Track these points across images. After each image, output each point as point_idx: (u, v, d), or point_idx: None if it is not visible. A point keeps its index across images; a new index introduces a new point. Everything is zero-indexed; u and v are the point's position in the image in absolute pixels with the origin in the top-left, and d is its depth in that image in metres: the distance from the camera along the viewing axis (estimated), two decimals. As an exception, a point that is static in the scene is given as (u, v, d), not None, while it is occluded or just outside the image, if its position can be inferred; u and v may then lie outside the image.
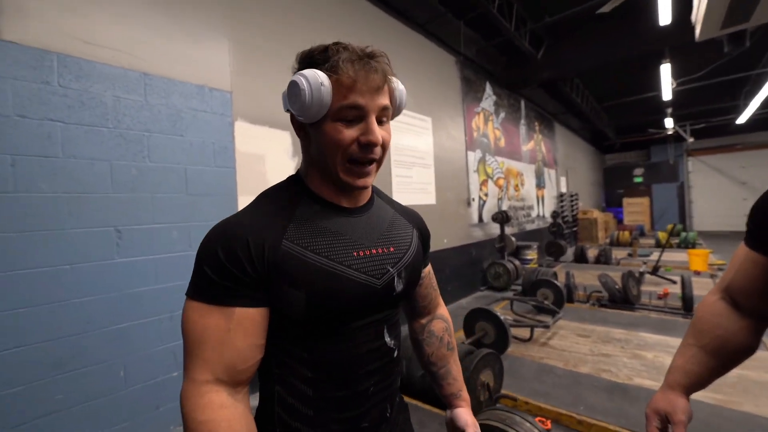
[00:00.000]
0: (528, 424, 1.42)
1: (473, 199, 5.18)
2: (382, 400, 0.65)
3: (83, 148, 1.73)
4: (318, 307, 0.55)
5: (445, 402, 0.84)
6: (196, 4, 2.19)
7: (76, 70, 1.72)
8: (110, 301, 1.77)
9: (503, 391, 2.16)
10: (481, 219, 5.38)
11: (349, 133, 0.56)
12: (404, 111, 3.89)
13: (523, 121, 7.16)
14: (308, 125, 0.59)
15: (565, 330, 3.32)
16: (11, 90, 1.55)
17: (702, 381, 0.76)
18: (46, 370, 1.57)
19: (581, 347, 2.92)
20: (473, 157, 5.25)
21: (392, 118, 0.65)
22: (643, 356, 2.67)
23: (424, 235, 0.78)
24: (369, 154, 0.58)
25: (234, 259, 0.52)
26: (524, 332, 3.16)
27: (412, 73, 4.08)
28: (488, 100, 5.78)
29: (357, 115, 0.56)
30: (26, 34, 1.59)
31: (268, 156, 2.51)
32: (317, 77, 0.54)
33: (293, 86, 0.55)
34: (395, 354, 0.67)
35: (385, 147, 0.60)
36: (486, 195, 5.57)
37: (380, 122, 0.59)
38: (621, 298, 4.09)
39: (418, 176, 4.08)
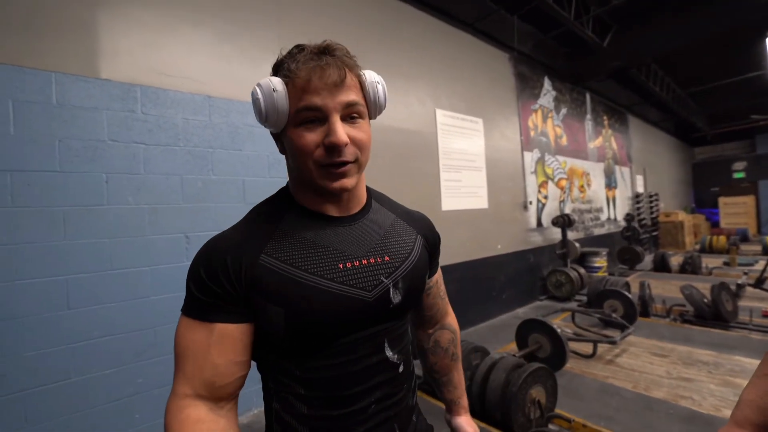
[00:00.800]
0: (577, 450, 1.30)
1: (530, 202, 4.89)
2: (387, 420, 0.61)
3: (160, 165, 1.99)
4: (297, 322, 0.53)
5: (445, 405, 0.87)
6: (252, 29, 2.40)
7: (154, 98, 1.99)
8: (180, 299, 1.99)
9: (557, 410, 2.00)
10: (540, 223, 5.06)
11: (312, 137, 0.53)
12: (452, 114, 3.83)
13: (588, 116, 6.59)
14: (279, 135, 0.58)
15: (637, 347, 2.97)
16: (106, 119, 1.84)
17: None
18: (129, 357, 1.83)
19: (656, 368, 2.59)
20: (530, 157, 4.96)
21: (374, 115, 0.61)
22: (737, 384, 2.28)
23: (431, 241, 0.73)
24: (337, 157, 0.53)
25: (214, 278, 0.52)
26: (587, 347, 2.90)
27: (460, 75, 4.00)
28: (547, 96, 5.43)
29: (316, 117, 0.53)
30: (117, 71, 1.89)
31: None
32: (269, 84, 0.53)
33: (252, 97, 0.55)
34: (401, 369, 0.63)
35: (361, 146, 0.56)
36: (545, 197, 5.23)
37: (351, 120, 0.55)
38: (711, 314, 3.55)
39: (469, 180, 3.97)
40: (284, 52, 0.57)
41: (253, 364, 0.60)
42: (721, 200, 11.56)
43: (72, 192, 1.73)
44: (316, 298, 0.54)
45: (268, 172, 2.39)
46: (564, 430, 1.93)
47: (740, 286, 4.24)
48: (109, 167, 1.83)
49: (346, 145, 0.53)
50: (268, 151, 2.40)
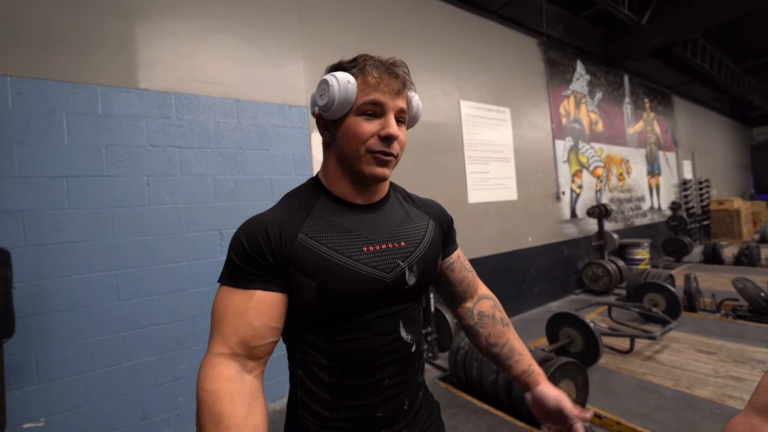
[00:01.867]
0: (605, 445, 1.27)
1: (563, 193, 4.69)
2: (399, 393, 0.67)
3: (194, 167, 2.12)
4: (328, 296, 0.59)
5: (520, 383, 0.79)
6: (276, 31, 2.49)
7: (187, 104, 2.12)
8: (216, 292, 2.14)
9: (588, 406, 1.94)
10: (574, 214, 4.85)
11: (370, 126, 0.62)
12: (477, 104, 3.75)
13: (627, 100, 6.20)
14: (332, 123, 0.65)
15: (680, 344, 2.80)
16: (145, 126, 1.99)
17: None
18: (172, 345, 1.99)
19: (701, 366, 2.43)
20: (562, 146, 4.76)
21: (408, 127, 0.70)
22: (795, 384, 2.09)
23: (444, 224, 0.79)
24: (388, 147, 0.62)
25: (256, 248, 0.59)
26: (623, 343, 2.76)
27: (485, 64, 3.90)
28: (580, 80, 5.16)
29: (377, 111, 0.62)
30: (153, 81, 2.03)
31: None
32: (346, 76, 0.61)
33: (324, 84, 0.62)
34: (413, 349, 0.69)
35: (401, 145, 0.65)
36: (580, 187, 5.00)
37: (399, 123, 0.65)
38: (768, 309, 3.26)
39: (496, 171, 3.88)
40: (345, 58, 0.67)
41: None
42: (786, 185, 10.46)
43: (118, 194, 1.90)
44: (345, 275, 0.60)
45: (294, 170, 2.48)
46: (595, 426, 1.87)
47: (805, 279, 3.85)
48: (149, 170, 1.99)
49: (397, 138, 0.63)
50: (293, 150, 2.48)
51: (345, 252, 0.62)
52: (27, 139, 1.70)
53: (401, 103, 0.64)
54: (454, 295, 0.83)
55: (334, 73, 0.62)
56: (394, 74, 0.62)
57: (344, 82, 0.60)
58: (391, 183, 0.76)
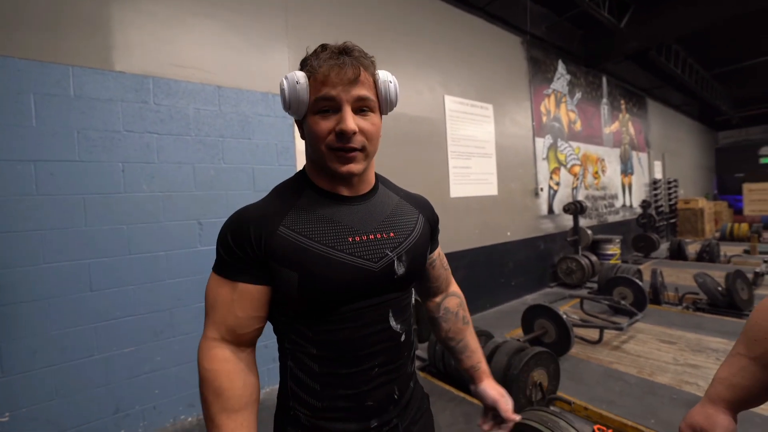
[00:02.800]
0: (573, 430, 1.34)
1: (542, 189, 4.83)
2: (389, 382, 0.67)
3: (173, 154, 2.06)
4: (310, 286, 0.60)
5: (467, 376, 0.87)
6: (260, 18, 2.42)
7: (166, 89, 2.05)
8: (195, 283, 2.10)
9: (559, 393, 2.04)
10: (551, 210, 5.01)
11: (326, 124, 0.61)
12: (461, 100, 3.79)
13: (604, 101, 6.40)
14: (301, 122, 0.66)
15: (645, 334, 2.97)
16: (121, 111, 1.91)
17: (751, 398, 0.66)
18: (148, 336, 1.95)
19: (663, 354, 2.59)
20: (542, 143, 4.88)
21: (385, 111, 0.68)
22: (745, 371, 2.26)
23: (432, 221, 0.80)
24: (346, 143, 0.60)
25: (238, 242, 0.61)
26: (593, 333, 2.90)
27: (470, 60, 3.94)
28: (560, 80, 5.29)
29: (331, 106, 0.60)
30: (131, 64, 1.95)
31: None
32: (294, 77, 0.61)
33: (279, 87, 0.63)
34: (402, 338, 0.69)
35: (368, 136, 0.63)
36: (557, 184, 5.15)
37: (361, 112, 0.62)
38: (725, 303, 3.49)
39: (478, 167, 3.95)
40: (310, 51, 0.65)
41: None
42: (746, 186, 11.10)
43: (91, 180, 1.82)
44: (326, 265, 0.61)
45: (277, 161, 2.44)
46: (565, 412, 1.97)
47: (758, 275, 4.13)
48: (124, 156, 1.91)
49: (354, 133, 0.60)
50: (276, 139, 2.44)
51: (326, 242, 0.62)
52: (-9, 120, 1.61)
53: (359, 91, 0.61)
54: (429, 290, 0.86)
55: (287, 74, 0.62)
56: (342, 63, 0.59)
57: (293, 83, 0.60)
58: (378, 176, 0.76)
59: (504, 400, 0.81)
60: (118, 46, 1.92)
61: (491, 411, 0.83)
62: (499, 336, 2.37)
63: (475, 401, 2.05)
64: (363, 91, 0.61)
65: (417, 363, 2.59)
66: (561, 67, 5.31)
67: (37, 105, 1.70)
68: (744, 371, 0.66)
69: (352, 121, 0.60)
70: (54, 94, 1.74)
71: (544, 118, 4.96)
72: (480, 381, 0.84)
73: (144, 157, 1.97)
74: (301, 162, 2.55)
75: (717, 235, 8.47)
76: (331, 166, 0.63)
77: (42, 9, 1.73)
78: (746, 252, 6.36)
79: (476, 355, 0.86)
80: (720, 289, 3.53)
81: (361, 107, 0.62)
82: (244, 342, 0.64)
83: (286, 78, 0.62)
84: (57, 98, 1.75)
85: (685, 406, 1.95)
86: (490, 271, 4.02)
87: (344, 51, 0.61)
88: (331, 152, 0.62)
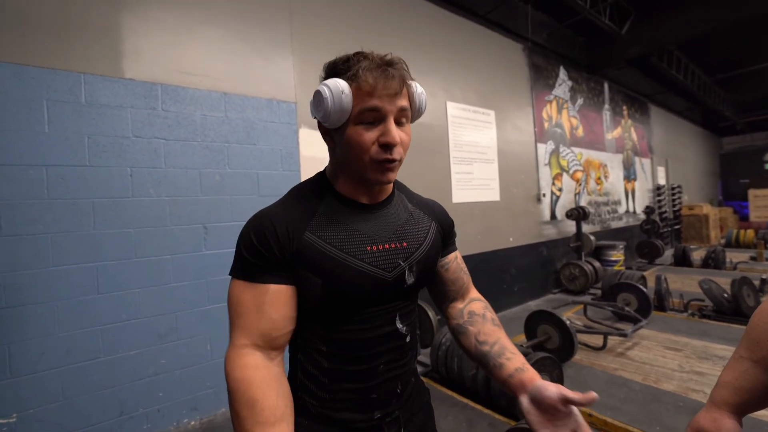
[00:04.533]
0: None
1: (544, 195, 4.84)
2: (393, 378, 0.71)
3: (179, 159, 2.10)
4: (332, 293, 0.62)
5: (512, 384, 0.66)
6: (265, 25, 2.47)
7: (174, 96, 2.09)
8: (200, 286, 2.12)
9: (562, 399, 2.03)
10: (554, 216, 5.00)
11: (370, 135, 0.61)
12: (464, 106, 3.82)
13: (606, 106, 6.42)
14: (333, 130, 0.65)
15: (650, 341, 2.94)
16: (130, 117, 1.96)
17: (755, 401, 0.66)
18: (153, 339, 1.96)
19: (668, 361, 2.57)
20: (544, 149, 4.90)
21: (413, 120, 0.69)
22: (751, 378, 2.24)
23: (445, 226, 0.81)
24: (389, 154, 0.61)
25: (264, 244, 0.61)
26: (597, 340, 2.89)
27: (472, 67, 3.98)
28: (562, 86, 5.32)
29: (376, 118, 0.60)
30: (140, 71, 2.00)
31: (328, 159, 2.70)
32: (338, 86, 0.59)
33: (317, 95, 0.61)
34: (407, 339, 0.73)
35: (405, 147, 0.65)
36: (560, 190, 5.15)
37: (399, 124, 0.63)
38: (731, 309, 3.46)
39: (480, 172, 3.97)
40: (340, 57, 0.64)
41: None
42: (751, 192, 11.01)
43: (100, 185, 1.86)
44: (350, 274, 0.63)
45: (281, 166, 2.47)
46: (569, 418, 1.95)
47: (765, 281, 4.09)
48: (133, 162, 1.95)
49: (398, 144, 0.62)
50: (281, 145, 2.48)
51: (349, 251, 0.64)
52: (5, 126, 1.65)
53: (401, 103, 0.62)
54: (446, 294, 0.82)
55: (327, 82, 0.60)
56: (390, 75, 0.59)
57: (338, 93, 0.59)
58: (396, 182, 0.77)
59: (566, 389, 0.60)
60: (127, 54, 1.97)
61: (556, 410, 0.59)
62: (502, 341, 2.36)
63: (478, 406, 2.04)
64: (404, 102, 0.62)
65: (420, 368, 2.59)
66: (563, 74, 5.35)
67: (50, 111, 1.75)
68: (747, 374, 0.66)
69: (396, 134, 0.61)
70: (66, 100, 1.78)
71: (546, 124, 4.98)
72: (533, 381, 0.64)
73: (152, 162, 2.01)
74: (305, 167, 2.58)
75: (722, 241, 8.40)
76: (371, 176, 0.63)
77: (54, 17, 1.78)
78: (753, 259, 6.30)
79: (517, 357, 0.70)
80: (726, 295, 3.50)
81: (400, 118, 0.63)
82: (276, 347, 0.62)
83: (327, 86, 0.60)
84: (69, 105, 1.79)
85: (692, 414, 1.93)
86: (492, 277, 4.02)
87: (389, 63, 0.61)
88: (375, 164, 0.62)
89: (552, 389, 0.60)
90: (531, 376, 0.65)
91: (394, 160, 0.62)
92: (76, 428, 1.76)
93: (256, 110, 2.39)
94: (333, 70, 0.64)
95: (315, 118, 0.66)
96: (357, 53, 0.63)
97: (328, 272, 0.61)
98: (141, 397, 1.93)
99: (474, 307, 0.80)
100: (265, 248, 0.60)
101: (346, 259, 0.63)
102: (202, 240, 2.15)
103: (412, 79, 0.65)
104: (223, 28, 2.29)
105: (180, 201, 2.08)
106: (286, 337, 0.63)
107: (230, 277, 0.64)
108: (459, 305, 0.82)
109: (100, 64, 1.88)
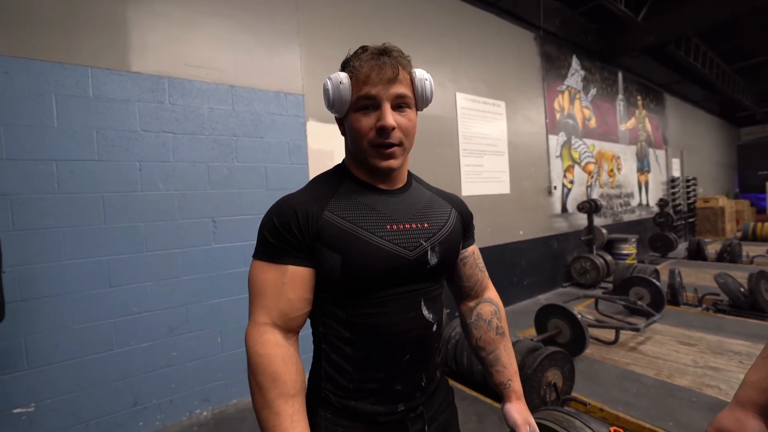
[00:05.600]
0: (589, 431, 1.32)
1: (555, 187, 4.75)
2: (418, 370, 0.69)
3: (187, 153, 2.09)
4: (352, 269, 0.63)
5: (497, 393, 0.82)
6: (272, 18, 2.44)
7: (181, 89, 2.08)
8: (209, 280, 2.13)
9: (573, 394, 2.00)
10: (565, 209, 4.92)
11: (367, 121, 0.64)
12: (473, 97, 3.75)
13: (620, 97, 6.26)
14: (341, 119, 0.70)
15: (663, 335, 2.89)
16: (138, 111, 1.95)
17: None
18: (164, 332, 1.99)
19: (682, 356, 2.52)
20: (555, 141, 4.80)
21: (421, 107, 0.71)
22: (769, 375, 2.18)
23: (465, 217, 0.82)
24: (385, 138, 0.64)
25: (286, 226, 0.63)
26: (609, 334, 2.84)
27: (482, 57, 3.89)
28: (575, 76, 5.19)
29: (371, 104, 0.64)
30: (146, 65, 1.99)
31: (336, 151, 2.69)
32: (338, 77, 0.64)
33: (324, 87, 0.67)
34: (434, 328, 0.71)
35: (405, 132, 0.66)
36: (571, 182, 5.06)
37: (400, 109, 0.65)
38: (747, 304, 3.38)
39: (490, 165, 3.91)
40: (351, 52, 0.69)
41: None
42: (769, 184, 10.74)
43: (109, 179, 1.87)
44: (368, 250, 0.63)
45: (289, 159, 2.46)
46: (580, 413, 1.93)
47: (783, 275, 3.98)
48: (141, 156, 1.95)
49: (393, 129, 0.64)
50: (288, 138, 2.46)
51: (369, 228, 0.65)
52: (15, 121, 1.66)
53: (398, 89, 0.64)
54: (460, 290, 0.85)
55: (331, 75, 0.65)
56: (384, 63, 0.63)
57: (336, 83, 0.64)
58: (411, 174, 0.78)
59: (525, 429, 0.74)
60: (134, 47, 1.96)
61: None
62: (512, 335, 2.34)
63: (488, 400, 2.03)
64: (401, 89, 0.65)
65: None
66: (575, 63, 5.21)
67: (58, 106, 1.75)
68: None
69: (391, 117, 0.63)
70: (74, 95, 1.79)
71: (558, 115, 4.87)
72: (508, 400, 0.79)
73: (160, 156, 2.01)
74: (313, 160, 2.56)
75: (738, 234, 8.20)
76: (371, 161, 0.66)
77: (60, 11, 1.78)
78: (770, 252, 6.13)
79: (507, 371, 0.80)
80: (742, 290, 3.42)
81: (399, 104, 0.65)
82: (293, 327, 0.65)
83: (330, 78, 0.65)
84: (77, 99, 1.79)
85: (706, 410, 1.90)
86: (502, 271, 3.98)
87: (384, 52, 0.65)
88: (372, 148, 0.65)
89: (510, 422, 0.77)
90: (509, 393, 0.79)
91: (391, 144, 0.64)
92: (90, 418, 1.80)
93: (264, 103, 2.37)
94: (343, 64, 0.69)
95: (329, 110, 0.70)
96: (361, 47, 0.67)
97: (347, 248, 0.63)
98: (154, 389, 1.96)
99: (483, 311, 0.83)
100: (287, 231, 0.63)
101: (364, 235, 0.64)
102: (211, 234, 2.15)
103: (409, 65, 0.67)
104: (230, 21, 2.26)
105: (189, 195, 2.09)
106: (301, 318, 0.65)
107: (252, 259, 0.67)
108: (471, 304, 0.85)
109: (107, 58, 1.88)
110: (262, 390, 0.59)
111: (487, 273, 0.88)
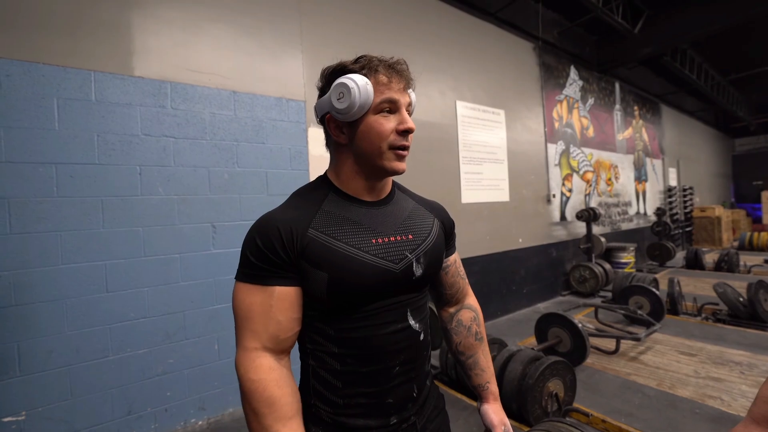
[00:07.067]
0: (593, 442, 1.29)
1: (554, 196, 4.77)
2: (408, 381, 0.69)
3: (188, 158, 2.08)
4: (339, 286, 0.62)
5: (475, 394, 0.86)
6: (275, 23, 2.46)
7: (183, 94, 2.08)
8: (208, 285, 2.11)
9: (575, 405, 1.98)
10: (563, 217, 4.93)
11: (389, 123, 0.65)
12: (473, 105, 3.78)
13: (617, 106, 6.32)
14: (347, 124, 0.67)
15: (663, 345, 2.88)
16: (139, 115, 1.95)
17: None
18: (161, 338, 1.95)
19: (683, 367, 2.51)
20: (554, 149, 4.83)
21: None
22: (771, 385, 2.17)
23: (447, 226, 0.82)
24: (406, 140, 0.66)
25: (269, 246, 0.61)
26: (609, 344, 2.83)
27: (482, 66, 3.93)
28: (573, 86, 5.25)
29: (392, 108, 0.66)
30: (149, 69, 1.99)
31: (337, 158, 2.68)
32: (363, 78, 0.63)
33: (342, 87, 0.63)
34: (422, 337, 0.71)
35: (411, 137, 0.69)
36: (570, 191, 5.08)
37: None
38: (747, 314, 3.38)
39: (490, 172, 3.92)
40: (345, 60, 0.68)
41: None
42: (765, 194, 10.82)
43: (109, 183, 1.85)
44: (355, 266, 0.63)
45: (290, 165, 2.46)
46: (583, 424, 1.90)
47: (781, 285, 3.99)
48: (142, 160, 1.94)
49: (413, 131, 0.67)
50: (289, 144, 2.46)
51: (354, 243, 0.64)
52: (15, 124, 1.65)
53: (408, 98, 0.68)
54: (441, 297, 0.86)
55: (350, 76, 0.63)
56: (402, 72, 0.66)
57: (363, 84, 0.62)
58: (394, 182, 0.79)
59: (500, 429, 0.80)
60: (137, 52, 1.96)
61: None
62: (512, 344, 2.32)
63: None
64: (409, 98, 0.69)
65: (428, 370, 2.56)
66: (573, 73, 5.27)
67: (60, 109, 1.74)
68: None
69: (412, 121, 0.67)
70: (76, 98, 1.78)
71: (557, 124, 4.91)
72: (486, 402, 0.84)
73: (161, 161, 2.00)
74: (314, 166, 2.56)
75: (735, 244, 8.24)
76: (386, 163, 0.66)
77: (64, 16, 1.78)
78: (767, 262, 6.16)
79: (485, 374, 0.84)
80: (741, 299, 3.42)
81: (408, 113, 0.69)
82: (284, 349, 0.64)
83: (352, 79, 0.62)
84: (78, 102, 1.78)
85: (709, 421, 1.88)
86: (501, 278, 3.97)
87: (397, 62, 0.67)
88: (391, 151, 0.66)
89: (487, 423, 0.81)
90: (486, 395, 0.84)
91: (408, 147, 0.67)
92: (84, 427, 1.76)
93: (265, 109, 2.37)
94: (342, 71, 0.66)
95: (323, 115, 0.69)
96: (362, 56, 0.67)
97: (333, 266, 0.62)
98: (149, 397, 1.92)
99: (462, 317, 0.86)
100: (270, 251, 0.61)
101: (350, 251, 0.63)
102: (210, 239, 2.13)
103: (413, 82, 0.71)
104: (233, 26, 2.28)
105: (189, 199, 2.07)
106: (292, 339, 0.65)
107: (235, 281, 0.65)
108: (451, 310, 0.87)
109: (109, 62, 1.88)
110: (259, 416, 0.58)
111: (467, 280, 0.89)
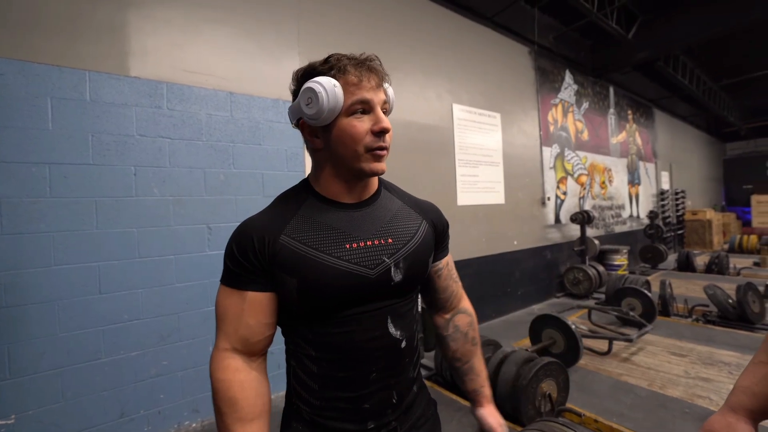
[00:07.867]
0: (586, 443, 1.31)
1: (548, 198, 4.81)
2: (386, 388, 0.68)
3: (184, 159, 2.08)
4: (308, 292, 0.62)
5: (469, 398, 0.86)
6: (273, 25, 2.46)
7: (179, 94, 2.08)
8: (203, 287, 2.10)
9: (568, 405, 2.00)
10: (558, 219, 4.98)
11: (362, 125, 0.63)
12: (469, 108, 3.81)
13: (611, 111, 6.40)
14: (320, 129, 0.65)
15: (654, 346, 2.91)
16: (135, 115, 1.94)
17: None
18: (155, 340, 1.94)
19: (673, 367, 2.54)
20: (549, 152, 4.87)
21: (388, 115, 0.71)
22: (760, 386, 2.21)
23: (439, 227, 0.79)
24: (382, 141, 0.64)
25: (243, 253, 0.63)
26: (602, 345, 2.85)
27: (478, 69, 3.96)
28: (568, 90, 5.30)
29: (365, 109, 0.63)
30: (145, 69, 1.98)
31: (333, 160, 2.69)
32: (330, 81, 0.60)
33: (309, 92, 0.61)
34: (403, 345, 0.69)
35: (390, 136, 0.66)
36: (564, 194, 5.13)
37: (384, 114, 0.66)
38: (736, 315, 3.43)
39: (485, 175, 3.95)
40: (314, 61, 0.66)
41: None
42: (754, 198, 10.97)
43: (103, 184, 1.84)
44: (323, 272, 0.62)
45: (286, 166, 2.46)
46: (575, 424, 1.92)
47: (770, 288, 4.06)
48: (137, 160, 1.93)
49: (389, 131, 0.64)
50: (286, 145, 2.46)
51: (325, 249, 0.63)
52: (8, 123, 1.63)
53: (383, 96, 0.65)
54: (435, 302, 0.84)
55: (317, 79, 0.61)
56: (373, 69, 0.63)
57: (331, 87, 0.60)
58: (383, 181, 0.77)
59: (500, 431, 0.81)
60: (133, 52, 1.95)
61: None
62: (507, 346, 2.34)
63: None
64: (384, 95, 0.66)
65: (423, 372, 2.57)
66: (568, 77, 5.32)
67: (54, 109, 1.73)
68: (766, 380, 0.64)
69: (387, 120, 0.64)
70: (70, 98, 1.77)
71: (552, 128, 4.96)
72: (481, 405, 0.84)
73: (156, 162, 1.99)
74: (309, 168, 2.55)
75: (725, 246, 8.35)
76: (366, 166, 0.64)
77: (60, 15, 1.77)
78: (756, 264, 6.25)
79: (480, 378, 0.84)
80: (731, 301, 3.47)
81: (383, 110, 0.66)
82: (255, 351, 0.65)
83: (318, 82, 0.60)
84: (73, 102, 1.77)
85: (698, 420, 1.90)
86: (496, 280, 3.99)
87: (369, 59, 0.65)
88: (368, 153, 0.64)
89: (486, 427, 0.82)
90: (481, 399, 0.84)
91: (385, 147, 0.64)
92: (75, 430, 1.74)
93: (262, 110, 2.37)
94: (311, 73, 0.64)
95: (296, 122, 0.68)
96: (331, 55, 0.65)
97: (302, 271, 0.62)
98: (142, 399, 1.91)
99: (459, 322, 0.84)
100: (243, 258, 0.63)
101: (320, 257, 0.62)
102: (205, 240, 2.13)
103: (388, 77, 0.68)
104: (230, 27, 2.28)
105: (184, 201, 2.07)
106: (264, 342, 0.66)
107: (219, 283, 0.67)
108: (447, 315, 0.85)
109: (105, 62, 1.87)
110: (221, 415, 0.61)
111: (460, 283, 0.87)
